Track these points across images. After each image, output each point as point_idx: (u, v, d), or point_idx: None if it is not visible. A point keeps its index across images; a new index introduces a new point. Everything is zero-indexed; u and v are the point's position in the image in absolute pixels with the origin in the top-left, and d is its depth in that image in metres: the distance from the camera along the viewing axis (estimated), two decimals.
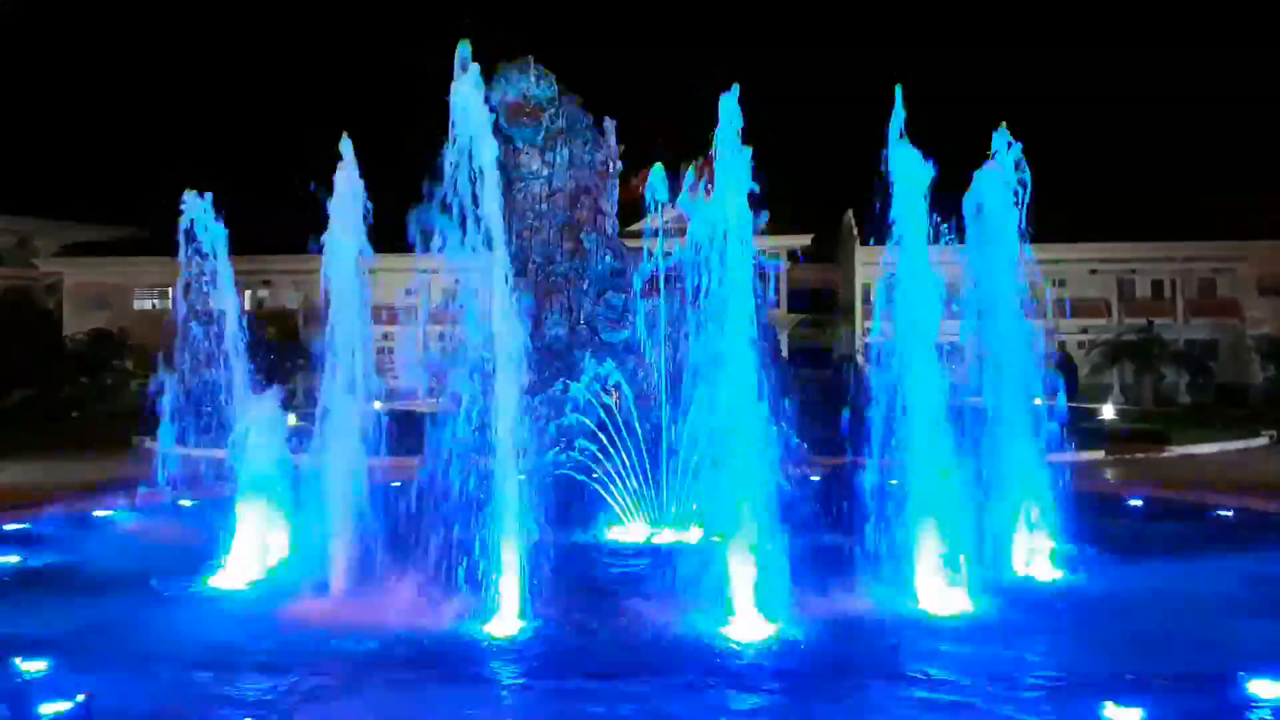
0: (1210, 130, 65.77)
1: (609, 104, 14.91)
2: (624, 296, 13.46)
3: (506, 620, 7.68)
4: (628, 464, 11.43)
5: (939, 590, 8.31)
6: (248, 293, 43.61)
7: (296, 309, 44.89)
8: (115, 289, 49.35)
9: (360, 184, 9.46)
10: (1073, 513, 10.15)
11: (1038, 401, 10.49)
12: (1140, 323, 42.49)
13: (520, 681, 6.55)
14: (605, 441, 11.48)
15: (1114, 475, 19.02)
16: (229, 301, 12.66)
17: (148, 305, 50.31)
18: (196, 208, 11.54)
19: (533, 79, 13.99)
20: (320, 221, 9.29)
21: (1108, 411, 29.84)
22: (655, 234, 12.46)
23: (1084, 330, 44.04)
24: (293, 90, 76.22)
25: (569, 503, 10.58)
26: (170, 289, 46.07)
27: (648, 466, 11.39)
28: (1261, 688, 6.13)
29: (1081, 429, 24.40)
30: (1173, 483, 16.39)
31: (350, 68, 76.93)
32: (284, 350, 31.36)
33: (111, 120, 74.52)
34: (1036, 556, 9.53)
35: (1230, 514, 13.14)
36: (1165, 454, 22.34)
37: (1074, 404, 31.80)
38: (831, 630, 7.59)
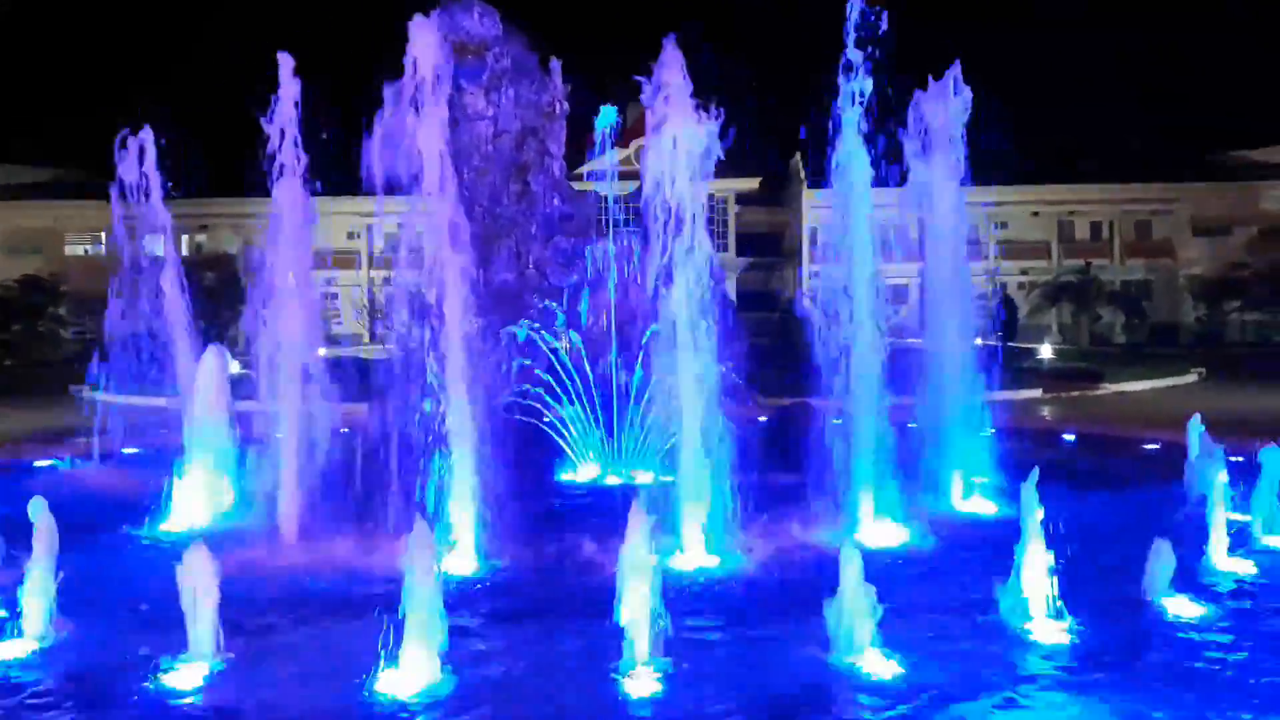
0: (1155, 73, 66.71)
1: (554, 43, 14.61)
2: (573, 240, 13.37)
3: (462, 559, 7.79)
4: (579, 407, 11.52)
5: (879, 524, 8.60)
6: (185, 237, 42.47)
7: (235, 253, 43.85)
8: (46, 233, 47.74)
9: (297, 112, 9.10)
10: (1010, 448, 10.49)
11: (978, 341, 10.78)
12: (1078, 264, 43.49)
13: (475, 619, 6.66)
14: (555, 385, 11.54)
15: (1050, 413, 19.62)
16: (166, 246, 12.39)
17: (80, 250, 48.77)
18: (133, 149, 11.20)
19: (476, 17, 13.63)
20: (260, 162, 9.04)
21: (1045, 351, 30.65)
22: (605, 176, 12.38)
23: (1024, 272, 44.99)
24: (233, 24, 73.42)
25: (521, 445, 10.65)
26: (104, 234, 44.74)
27: (599, 409, 11.49)
28: (1175, 605, 6.62)
29: (1020, 368, 25.11)
30: (1105, 419, 16.99)
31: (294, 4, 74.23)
32: (223, 295, 30.70)
33: (40, 56, 71.24)
34: (974, 490, 9.87)
35: (1158, 448, 13.69)
36: (1099, 392, 23.09)
37: (1013, 344, 32.63)
38: (774, 563, 7.85)
